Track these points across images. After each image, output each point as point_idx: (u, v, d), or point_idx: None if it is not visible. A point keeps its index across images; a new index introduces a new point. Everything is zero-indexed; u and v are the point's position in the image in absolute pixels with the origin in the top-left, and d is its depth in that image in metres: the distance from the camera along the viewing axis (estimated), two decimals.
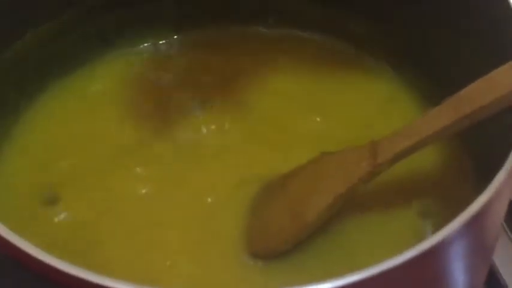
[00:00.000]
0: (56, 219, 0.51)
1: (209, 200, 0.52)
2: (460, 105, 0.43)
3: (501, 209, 0.43)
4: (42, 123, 0.58)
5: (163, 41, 0.63)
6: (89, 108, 0.59)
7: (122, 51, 0.62)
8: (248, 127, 0.57)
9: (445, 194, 0.52)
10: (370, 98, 0.59)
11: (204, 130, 0.57)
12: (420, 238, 0.36)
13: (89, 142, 0.56)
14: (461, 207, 0.37)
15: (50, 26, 0.58)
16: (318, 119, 0.57)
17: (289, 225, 0.48)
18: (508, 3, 0.46)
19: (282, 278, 0.47)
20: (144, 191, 0.53)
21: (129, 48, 0.62)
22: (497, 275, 0.57)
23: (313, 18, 0.63)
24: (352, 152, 0.48)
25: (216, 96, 0.59)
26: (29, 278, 0.36)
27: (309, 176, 0.50)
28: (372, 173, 0.47)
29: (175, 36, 0.64)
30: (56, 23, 0.58)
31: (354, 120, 0.57)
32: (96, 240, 0.50)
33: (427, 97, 0.57)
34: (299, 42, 0.63)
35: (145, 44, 0.63)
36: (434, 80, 0.56)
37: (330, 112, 0.58)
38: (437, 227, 0.36)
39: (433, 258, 0.37)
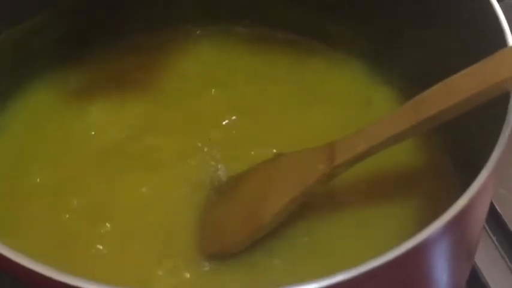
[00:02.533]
0: None
1: (165, 201, 0.52)
2: (419, 109, 0.43)
3: (483, 209, 0.43)
4: (18, 124, 0.57)
5: (144, 39, 0.63)
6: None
7: (99, 50, 0.62)
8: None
9: (426, 193, 0.52)
10: (348, 99, 0.59)
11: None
12: (401, 238, 0.35)
13: (65, 145, 0.56)
14: (444, 207, 0.36)
15: (25, 26, 0.57)
16: (294, 119, 0.57)
17: (243, 226, 0.48)
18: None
19: (239, 277, 0.47)
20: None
21: (106, 46, 0.62)
22: (479, 275, 0.57)
23: (289, 19, 0.63)
24: (309, 153, 0.48)
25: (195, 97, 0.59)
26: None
27: (264, 176, 0.49)
28: (329, 175, 0.46)
29: (149, 36, 0.63)
30: (31, 23, 0.57)
31: (331, 122, 0.57)
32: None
33: (407, 96, 0.57)
34: (275, 42, 0.63)
35: (123, 42, 0.63)
36: (413, 79, 0.56)
37: (306, 112, 0.57)
38: (419, 227, 0.36)
39: (416, 258, 0.37)
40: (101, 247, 0.49)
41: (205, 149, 0.55)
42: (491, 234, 0.59)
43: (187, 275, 0.47)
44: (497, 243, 0.59)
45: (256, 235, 0.47)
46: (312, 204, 0.49)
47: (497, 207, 0.60)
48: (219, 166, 0.53)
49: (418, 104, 0.43)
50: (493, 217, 0.59)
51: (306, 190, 0.46)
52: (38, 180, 0.53)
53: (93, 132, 0.56)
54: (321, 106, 0.58)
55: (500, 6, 0.45)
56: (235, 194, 0.50)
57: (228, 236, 0.48)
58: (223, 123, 0.57)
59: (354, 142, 0.45)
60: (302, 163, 0.47)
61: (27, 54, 0.58)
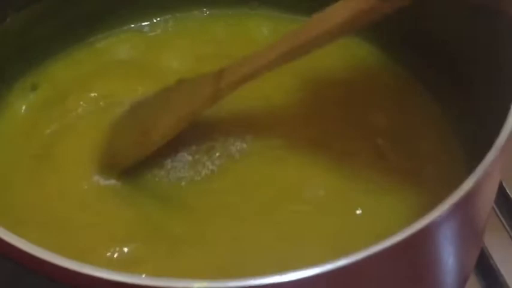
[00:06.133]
0: None
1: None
2: (297, 36, 0.48)
3: (491, 190, 0.43)
4: (24, 107, 0.57)
5: (148, 23, 0.63)
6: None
7: (106, 34, 0.62)
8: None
9: (435, 175, 0.51)
10: (358, 81, 0.59)
11: None
12: (409, 220, 0.35)
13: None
14: (452, 189, 0.36)
15: (31, 10, 0.57)
16: (301, 102, 0.57)
17: (134, 142, 0.53)
18: None
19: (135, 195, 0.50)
20: None
21: (113, 30, 0.62)
22: (488, 258, 0.56)
23: (296, 0, 0.63)
24: (202, 78, 0.52)
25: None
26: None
27: (163, 99, 0.53)
28: (214, 97, 0.51)
29: (158, 18, 0.63)
30: (37, 8, 0.57)
31: (339, 103, 0.56)
32: None
33: (417, 75, 0.57)
34: (282, 24, 0.63)
35: (131, 25, 0.63)
36: (423, 59, 0.55)
37: (312, 94, 0.57)
38: (427, 209, 0.35)
39: (422, 241, 0.36)
40: None
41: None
42: (500, 217, 0.59)
43: (85, 192, 0.51)
44: (507, 226, 0.58)
45: (145, 151, 0.52)
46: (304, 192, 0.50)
47: (507, 189, 0.60)
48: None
49: (297, 32, 0.48)
50: (503, 199, 0.59)
51: (192, 112, 0.52)
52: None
53: (99, 116, 0.56)
54: (329, 88, 0.58)
55: None
56: (136, 114, 0.54)
57: (121, 150, 0.53)
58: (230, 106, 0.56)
59: (238, 66, 0.50)
60: (194, 87, 0.52)
61: (34, 39, 0.58)
